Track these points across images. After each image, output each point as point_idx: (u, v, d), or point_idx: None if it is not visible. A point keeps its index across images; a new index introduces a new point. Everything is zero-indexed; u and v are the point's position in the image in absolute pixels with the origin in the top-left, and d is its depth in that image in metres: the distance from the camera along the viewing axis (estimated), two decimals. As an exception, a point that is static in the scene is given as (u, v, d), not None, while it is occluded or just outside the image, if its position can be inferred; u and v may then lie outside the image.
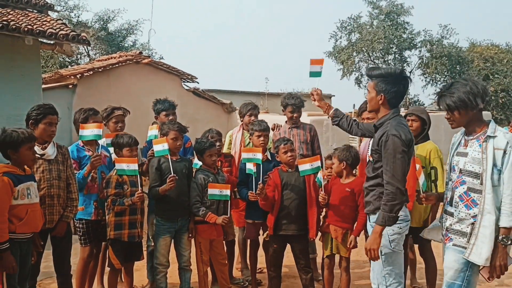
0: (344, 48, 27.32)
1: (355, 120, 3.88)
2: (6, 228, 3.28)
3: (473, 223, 2.95)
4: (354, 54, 27.27)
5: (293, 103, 5.30)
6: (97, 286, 4.71)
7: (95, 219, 4.27)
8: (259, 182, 4.31)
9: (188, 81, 14.68)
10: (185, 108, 13.52)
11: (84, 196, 4.21)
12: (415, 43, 27.07)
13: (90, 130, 4.16)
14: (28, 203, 3.42)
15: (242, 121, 5.44)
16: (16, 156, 3.43)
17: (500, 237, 2.87)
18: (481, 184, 2.91)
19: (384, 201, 3.09)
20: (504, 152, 2.87)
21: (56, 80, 12.75)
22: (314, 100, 4.02)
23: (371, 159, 3.40)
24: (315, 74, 4.08)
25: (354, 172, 4.44)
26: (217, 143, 4.87)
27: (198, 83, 14.83)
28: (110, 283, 4.27)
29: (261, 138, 4.72)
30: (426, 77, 27.38)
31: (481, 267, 2.95)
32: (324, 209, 4.46)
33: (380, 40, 25.60)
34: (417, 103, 28.21)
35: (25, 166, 3.51)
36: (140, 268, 5.11)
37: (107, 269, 4.49)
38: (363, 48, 26.83)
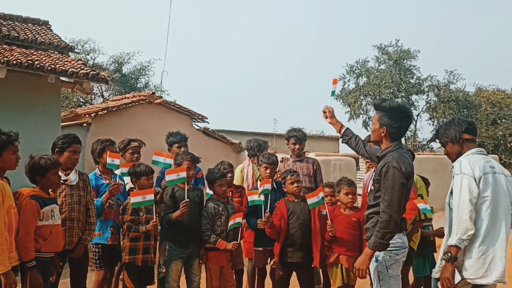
0: (352, 91, 27.80)
1: (363, 142, 4.01)
2: (33, 247, 3.54)
3: None
4: (362, 97, 27.73)
5: (295, 135, 5.59)
6: (110, 310, 4.88)
7: (111, 243, 4.50)
8: (266, 211, 4.53)
9: (198, 121, 15.05)
10: (195, 147, 13.72)
11: (101, 222, 4.46)
12: (422, 88, 27.54)
13: (111, 159, 4.43)
14: (52, 224, 3.69)
15: (251, 160, 5.68)
16: (43, 181, 3.72)
17: (444, 253, 3.25)
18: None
19: (377, 228, 3.28)
20: (453, 178, 3.30)
21: (71, 118, 13.19)
22: (326, 117, 4.16)
23: (372, 188, 3.62)
24: (333, 93, 4.35)
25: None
26: (229, 174, 5.14)
27: (208, 123, 15.16)
28: (123, 305, 4.45)
29: (268, 170, 4.98)
30: (434, 121, 27.65)
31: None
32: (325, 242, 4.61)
33: (388, 84, 26.09)
34: (426, 147, 28.41)
35: (50, 190, 3.80)
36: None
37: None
38: (370, 92, 27.33)
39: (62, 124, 12.34)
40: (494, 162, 3.43)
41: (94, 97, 24.12)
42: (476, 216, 3.21)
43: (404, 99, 27.82)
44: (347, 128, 4.15)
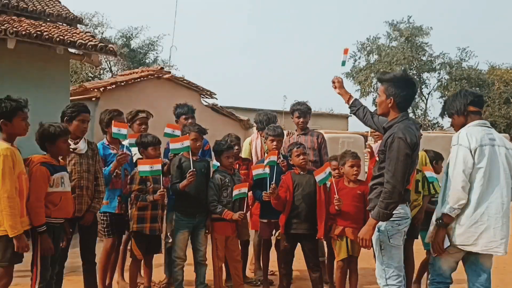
0: (362, 69, 27.59)
1: (371, 113, 4.00)
2: (43, 212, 3.62)
3: None
4: (372, 75, 27.50)
5: (299, 108, 5.59)
6: (118, 278, 5.01)
7: (118, 212, 4.59)
8: (272, 183, 4.58)
9: (207, 97, 15.07)
10: (203, 124, 13.73)
11: (108, 191, 4.53)
12: (434, 65, 27.24)
13: (116, 129, 4.49)
14: (61, 191, 3.76)
15: (260, 133, 5.70)
16: (53, 148, 3.78)
17: (436, 219, 3.47)
18: None
19: (381, 198, 3.31)
20: (451, 148, 3.44)
21: (80, 92, 13.25)
22: (335, 87, 4.15)
23: (377, 159, 3.64)
24: (344, 63, 4.31)
25: None
26: (235, 147, 5.19)
27: (217, 99, 15.17)
28: (131, 272, 4.55)
29: (274, 143, 5.00)
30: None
31: None
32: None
33: (399, 62, 25.82)
34: (437, 126, 28.24)
35: (60, 158, 3.86)
36: (158, 266, 5.37)
37: (127, 263, 4.78)
38: (381, 69, 27.07)
39: (71, 98, 12.46)
40: (496, 135, 3.52)
41: (103, 72, 24.16)
42: (470, 186, 3.36)
43: (415, 77, 27.58)
44: (356, 99, 4.15)
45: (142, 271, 4.85)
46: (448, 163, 3.52)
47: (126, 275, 4.81)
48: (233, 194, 4.61)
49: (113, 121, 4.56)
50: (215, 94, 15.11)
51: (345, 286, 4.74)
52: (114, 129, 4.47)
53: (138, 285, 4.75)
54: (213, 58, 60.94)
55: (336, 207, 4.50)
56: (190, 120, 5.27)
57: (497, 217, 3.35)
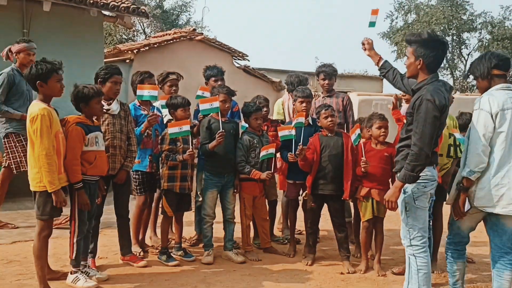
0: (400, 29, 26.77)
1: (401, 75, 3.97)
2: (80, 170, 3.82)
3: None
4: (410, 35, 26.63)
5: (324, 70, 5.57)
6: (151, 233, 5.25)
7: (149, 171, 4.76)
8: (299, 144, 4.63)
9: (239, 59, 15.03)
10: (235, 85, 13.71)
11: (140, 150, 4.69)
12: (475, 25, 26.18)
13: (147, 91, 4.61)
14: (96, 150, 3.94)
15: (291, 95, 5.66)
16: (87, 109, 3.94)
17: (457, 183, 3.52)
18: None
19: (408, 160, 3.31)
20: (473, 113, 3.48)
21: (114, 55, 13.46)
22: (365, 49, 4.13)
23: (405, 121, 3.64)
24: (372, 24, 4.27)
25: None
26: (264, 109, 5.25)
27: (249, 61, 15.13)
28: (162, 228, 4.75)
29: (304, 104, 5.01)
30: (486, 61, 26.41)
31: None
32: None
33: (439, 21, 24.91)
34: (475, 88, 27.39)
35: (94, 118, 4.02)
36: (190, 224, 5.59)
37: (159, 220, 4.99)
38: (419, 30, 26.20)
39: (106, 60, 12.66)
40: None
41: (137, 34, 24.30)
42: (491, 150, 3.39)
43: (454, 37, 26.64)
44: (386, 61, 4.12)
45: (173, 228, 5.06)
46: (470, 127, 3.51)
47: (159, 231, 5.03)
48: (261, 155, 4.69)
49: (137, 85, 4.69)
50: (247, 56, 15.06)
51: (370, 246, 4.84)
52: (140, 92, 4.61)
53: (169, 241, 4.96)
54: (246, 20, 60.19)
55: (362, 169, 4.53)
56: (219, 82, 5.32)
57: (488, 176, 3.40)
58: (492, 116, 3.36)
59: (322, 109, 4.79)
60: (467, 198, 3.50)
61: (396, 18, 27.24)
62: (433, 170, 3.52)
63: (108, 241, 5.20)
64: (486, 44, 25.73)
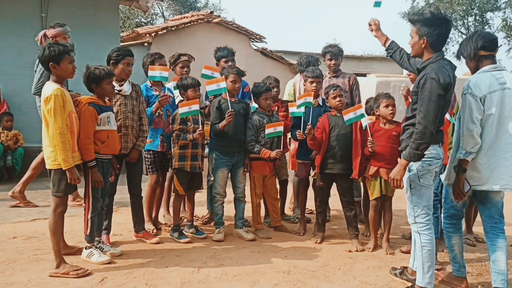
0: (421, 9, 26.24)
1: (408, 55, 3.98)
2: (93, 148, 3.95)
3: None
4: (431, 16, 26.10)
5: (330, 51, 5.58)
6: (164, 211, 5.39)
7: (161, 150, 4.88)
8: (308, 124, 4.68)
9: (256, 41, 15.02)
10: (253, 68, 13.91)
11: (152, 130, 4.80)
12: (499, 4, 25.51)
13: (158, 72, 4.71)
14: (108, 129, 4.06)
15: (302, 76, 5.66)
16: (99, 90, 4.05)
17: (454, 166, 3.55)
18: None
19: (412, 139, 3.35)
20: (461, 97, 3.53)
21: (132, 38, 13.62)
22: (372, 30, 4.16)
23: (411, 99, 3.65)
24: (378, 4, 4.29)
25: None
26: (274, 89, 5.31)
27: (267, 43, 15.10)
28: (174, 206, 4.88)
29: (314, 84, 5.04)
30: (510, 41, 25.84)
31: None
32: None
33: (461, 1, 24.33)
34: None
35: (106, 99, 4.13)
36: (203, 204, 5.72)
37: (172, 199, 5.12)
38: (442, 10, 25.62)
39: (124, 43, 12.81)
40: (508, 77, 3.49)
41: (156, 17, 24.42)
42: (481, 131, 3.45)
43: (477, 17, 26.01)
44: (392, 41, 4.13)
45: (186, 206, 5.18)
46: (460, 110, 3.56)
47: (172, 210, 5.15)
48: (267, 132, 4.75)
49: (149, 66, 4.80)
50: (265, 38, 15.04)
51: (380, 225, 4.89)
52: (151, 73, 4.72)
53: (182, 219, 5.10)
54: (264, 2, 59.71)
55: (369, 149, 4.57)
56: (230, 63, 5.37)
57: (505, 156, 3.47)
58: (480, 100, 3.43)
59: (331, 89, 4.82)
60: (465, 179, 3.53)
61: (418, -3, 26.71)
62: (438, 148, 3.53)
63: (123, 219, 5.37)
64: (511, 23, 25.04)
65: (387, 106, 4.62)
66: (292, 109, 4.91)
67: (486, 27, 25.96)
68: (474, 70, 3.60)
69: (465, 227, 5.01)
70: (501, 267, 3.53)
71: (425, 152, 3.40)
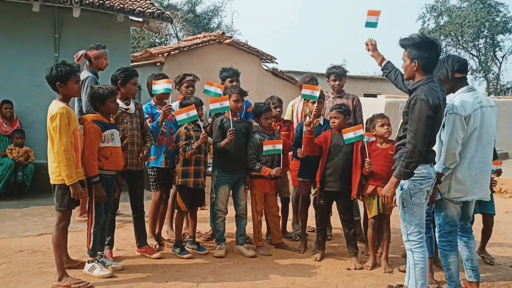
0: (431, 31, 26.39)
1: (402, 75, 4.07)
2: (97, 165, 4.09)
3: None
4: (442, 37, 26.26)
5: (334, 72, 5.67)
6: (167, 228, 5.49)
7: (164, 167, 5.00)
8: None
9: (267, 62, 15.23)
10: (263, 87, 14.15)
11: (155, 147, 4.94)
12: (509, 26, 25.57)
13: (161, 85, 4.91)
14: (112, 146, 4.21)
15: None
16: (103, 108, 4.21)
17: None
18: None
19: (403, 158, 3.45)
20: (446, 115, 3.71)
21: (146, 58, 13.94)
22: (369, 50, 4.29)
23: (402, 120, 3.75)
24: (371, 25, 4.41)
25: None
26: (277, 109, 5.42)
27: (277, 63, 15.31)
28: (177, 223, 4.98)
29: (315, 105, 5.14)
30: (521, 63, 25.83)
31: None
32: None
33: (472, 24, 24.46)
34: (510, 91, 26.71)
35: (110, 117, 4.29)
36: (207, 221, 5.81)
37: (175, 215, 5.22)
38: (451, 32, 25.79)
39: (137, 63, 13.11)
40: (481, 96, 3.83)
41: (169, 38, 24.90)
42: (463, 146, 3.73)
43: (488, 39, 26.06)
44: (388, 62, 4.29)
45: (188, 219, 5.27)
46: (444, 128, 3.74)
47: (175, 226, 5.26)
48: (265, 149, 4.83)
49: (152, 81, 4.97)
50: (276, 59, 15.25)
51: (380, 244, 4.93)
52: (155, 87, 4.93)
53: (184, 235, 5.19)
54: (276, 23, 60.51)
55: (367, 169, 4.64)
56: (234, 83, 5.50)
57: (485, 169, 3.85)
58: (465, 119, 3.69)
59: (378, 118, 4.87)
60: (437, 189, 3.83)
61: (428, 20, 26.91)
62: (430, 168, 3.61)
63: (127, 235, 5.47)
64: (522, 45, 25.08)
65: (382, 125, 4.71)
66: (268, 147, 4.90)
67: (497, 49, 26.01)
68: (449, 91, 3.82)
69: (479, 246, 5.04)
70: (474, 264, 3.98)
71: (417, 172, 3.49)
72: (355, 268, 4.68)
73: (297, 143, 5.20)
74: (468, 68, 3.86)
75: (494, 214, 5.03)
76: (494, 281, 4.53)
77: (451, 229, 3.87)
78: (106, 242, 4.52)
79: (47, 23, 7.96)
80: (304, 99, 5.31)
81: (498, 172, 5.03)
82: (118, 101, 4.42)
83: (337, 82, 5.71)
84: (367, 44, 4.32)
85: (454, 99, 3.77)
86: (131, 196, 4.79)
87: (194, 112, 4.68)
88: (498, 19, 25.13)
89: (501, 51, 26.16)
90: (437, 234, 3.96)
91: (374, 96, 15.65)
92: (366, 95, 18.31)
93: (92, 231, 4.17)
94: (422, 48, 3.49)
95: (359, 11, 62.42)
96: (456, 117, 3.66)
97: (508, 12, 25.37)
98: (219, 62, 13.37)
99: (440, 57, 3.64)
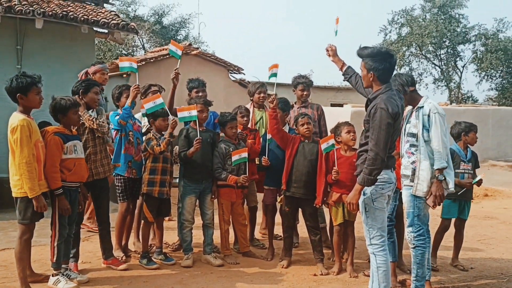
0: (393, 43, 27.09)
1: None
2: (59, 177, 4.04)
3: (413, 168, 4.10)
4: (404, 48, 26.99)
5: (304, 82, 5.80)
6: (134, 239, 5.44)
7: (128, 176, 4.96)
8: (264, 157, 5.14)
9: (235, 72, 15.31)
10: (230, 98, 14.17)
11: (123, 154, 4.88)
12: (469, 37, 26.50)
13: (128, 63, 5.00)
14: (75, 157, 4.17)
15: (252, 99, 5.85)
16: (65, 119, 4.18)
17: (435, 175, 4.00)
18: (417, 140, 4.09)
19: (366, 165, 3.55)
20: (428, 116, 4.05)
21: (112, 69, 13.75)
22: (329, 55, 4.43)
23: (363, 128, 3.86)
24: (336, 33, 4.56)
25: None
26: (244, 118, 5.45)
27: (244, 74, 15.40)
28: (143, 234, 4.95)
29: (261, 94, 5.68)
30: (480, 73, 26.74)
31: (427, 198, 4.06)
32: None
33: (432, 34, 25.22)
34: (470, 99, 27.61)
35: (72, 128, 4.26)
36: (174, 230, 5.78)
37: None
38: (413, 42, 26.53)
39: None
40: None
41: (136, 49, 24.76)
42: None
43: (449, 49, 26.92)
44: (349, 67, 4.43)
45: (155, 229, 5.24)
46: (431, 128, 4.06)
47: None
48: (234, 159, 4.88)
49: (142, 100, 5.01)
50: (243, 70, 15.33)
51: (345, 249, 5.01)
52: (122, 64, 5.06)
53: (151, 246, 5.16)
54: (243, 34, 61.00)
55: (333, 177, 4.75)
56: (201, 93, 5.51)
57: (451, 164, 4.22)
58: (444, 117, 4.09)
59: (299, 117, 5.02)
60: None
61: (390, 31, 27.62)
62: (390, 173, 3.73)
63: (93, 247, 5.40)
64: (480, 56, 25.99)
65: (348, 132, 4.83)
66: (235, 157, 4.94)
67: (457, 59, 26.88)
68: (407, 103, 4.16)
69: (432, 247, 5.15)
70: (429, 263, 4.23)
71: (378, 177, 3.59)
72: (322, 274, 4.76)
73: (263, 151, 5.28)
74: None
75: (466, 219, 5.23)
76: (455, 283, 4.68)
77: (426, 227, 4.12)
78: (71, 255, 4.46)
79: (9, 35, 7.83)
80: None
81: (479, 182, 5.04)
82: (90, 111, 4.43)
83: (305, 92, 5.82)
84: (327, 50, 4.44)
85: (429, 101, 4.13)
86: (96, 208, 4.75)
87: (160, 100, 4.75)
88: (458, 29, 25.97)
89: (462, 60, 27.08)
90: (412, 235, 4.12)
91: (341, 105, 15.92)
92: (333, 105, 18.59)
93: (55, 244, 4.11)
94: (377, 60, 3.62)
95: (326, 21, 63.68)
96: (440, 116, 4.03)
97: (468, 22, 26.33)
98: (186, 73, 13.16)
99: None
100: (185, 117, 4.87)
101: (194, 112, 4.86)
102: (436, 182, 4.00)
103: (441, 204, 4.16)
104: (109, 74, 12.23)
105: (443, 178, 4.01)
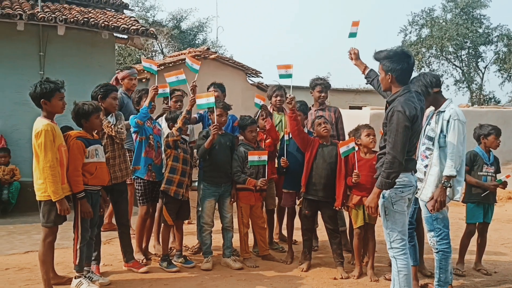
0: (413, 44, 26.82)
1: None
2: (81, 180, 4.11)
3: (425, 172, 4.11)
4: (424, 50, 26.71)
5: (322, 83, 5.80)
6: (154, 242, 5.49)
7: (148, 179, 5.02)
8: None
9: (253, 76, 15.35)
10: (249, 102, 14.23)
11: (143, 157, 4.98)
12: (491, 38, 26.09)
13: (175, 77, 5.12)
14: (97, 161, 4.23)
15: (271, 103, 5.87)
16: (87, 124, 4.25)
17: (443, 182, 3.99)
18: (433, 145, 4.09)
19: (383, 168, 3.53)
20: (448, 122, 4.04)
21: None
22: (352, 59, 4.42)
23: (382, 130, 3.83)
24: (352, 35, 4.54)
25: None
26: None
27: (262, 77, 15.42)
28: (163, 237, 5.00)
29: (278, 98, 5.62)
30: (503, 74, 26.29)
31: (426, 202, 4.11)
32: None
33: (452, 37, 24.88)
34: (493, 101, 27.18)
35: (94, 132, 4.33)
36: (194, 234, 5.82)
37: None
38: (433, 45, 26.22)
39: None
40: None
41: (155, 54, 24.98)
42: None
43: (471, 50, 26.54)
44: (371, 70, 4.39)
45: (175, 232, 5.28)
46: (448, 134, 4.03)
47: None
48: (251, 159, 4.87)
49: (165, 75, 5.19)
50: (261, 73, 15.36)
51: (364, 253, 4.98)
52: (168, 79, 5.15)
53: (171, 249, 5.20)
54: (261, 38, 61.19)
55: (353, 180, 4.73)
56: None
57: (462, 171, 4.21)
58: (464, 125, 4.07)
59: (316, 119, 5.02)
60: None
61: (410, 32, 27.35)
62: (410, 176, 3.69)
63: (114, 250, 5.47)
64: (503, 56, 25.55)
65: (368, 135, 4.81)
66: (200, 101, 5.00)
67: (479, 60, 26.47)
68: (430, 104, 4.09)
69: (459, 254, 5.12)
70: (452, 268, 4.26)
71: (398, 180, 3.56)
72: (342, 278, 4.74)
73: (282, 154, 5.28)
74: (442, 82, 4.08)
75: (490, 223, 5.18)
76: (478, 287, 4.62)
77: (448, 231, 4.09)
78: (93, 258, 4.52)
79: (32, 41, 7.98)
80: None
81: (505, 184, 5.02)
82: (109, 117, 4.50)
83: (322, 94, 5.82)
84: (350, 53, 4.43)
85: (451, 105, 4.10)
86: (116, 211, 4.81)
87: (183, 76, 5.02)
88: (480, 30, 25.59)
89: (483, 62, 26.66)
90: (435, 239, 4.10)
91: (360, 108, 15.82)
92: (351, 107, 18.49)
93: (78, 246, 4.17)
94: (395, 61, 3.59)
95: (343, 24, 63.36)
96: (460, 123, 4.01)
97: (490, 23, 25.94)
98: (204, 77, 13.34)
99: (415, 74, 3.83)
100: (203, 104, 4.94)
101: (212, 99, 4.93)
102: (440, 187, 4.00)
103: (441, 209, 4.06)
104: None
105: (449, 185, 4.00)
